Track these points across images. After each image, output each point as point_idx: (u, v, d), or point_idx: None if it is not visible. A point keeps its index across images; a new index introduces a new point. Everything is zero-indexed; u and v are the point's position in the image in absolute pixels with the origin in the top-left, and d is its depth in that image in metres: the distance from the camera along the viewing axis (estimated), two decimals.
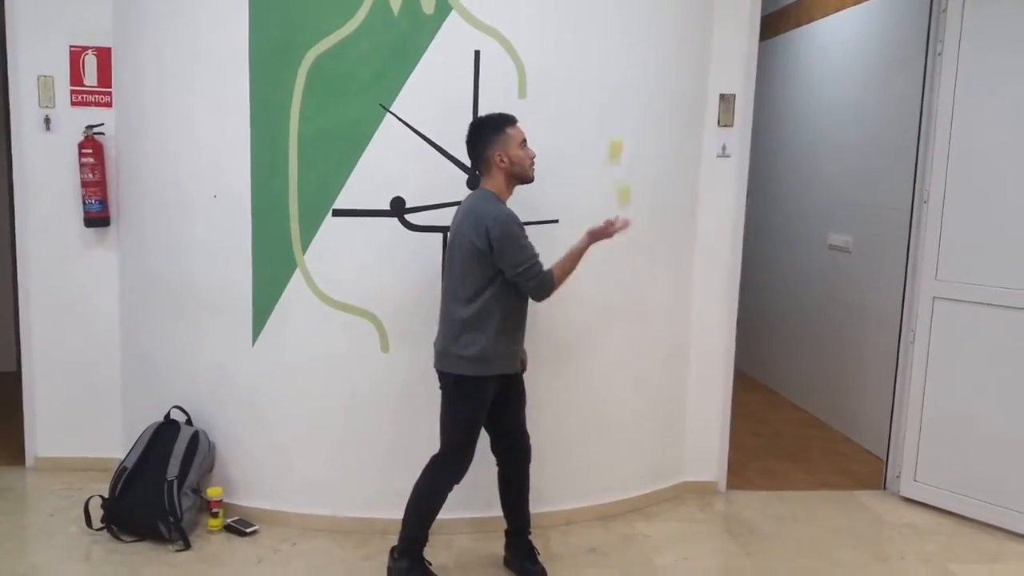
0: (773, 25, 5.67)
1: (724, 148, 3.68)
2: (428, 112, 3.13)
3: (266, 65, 3.13)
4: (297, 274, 3.21)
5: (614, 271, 3.38)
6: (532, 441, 3.06)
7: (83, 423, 3.81)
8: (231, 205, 3.23)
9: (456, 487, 2.87)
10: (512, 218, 2.70)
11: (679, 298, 3.69)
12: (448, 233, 2.92)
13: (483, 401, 2.83)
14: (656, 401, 3.66)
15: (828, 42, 5.03)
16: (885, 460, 3.97)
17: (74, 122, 3.63)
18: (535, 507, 3.16)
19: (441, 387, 2.85)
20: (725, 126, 3.66)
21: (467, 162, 3.12)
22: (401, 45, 3.09)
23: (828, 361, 4.98)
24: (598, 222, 2.81)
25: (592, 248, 2.81)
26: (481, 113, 3.10)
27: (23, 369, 3.82)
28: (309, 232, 3.19)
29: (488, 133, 2.77)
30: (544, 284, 2.72)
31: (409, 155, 3.14)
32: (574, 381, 3.41)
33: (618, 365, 3.49)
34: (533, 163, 2.82)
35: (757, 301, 5.87)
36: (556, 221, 3.24)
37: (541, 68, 3.18)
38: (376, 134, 3.12)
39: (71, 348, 3.79)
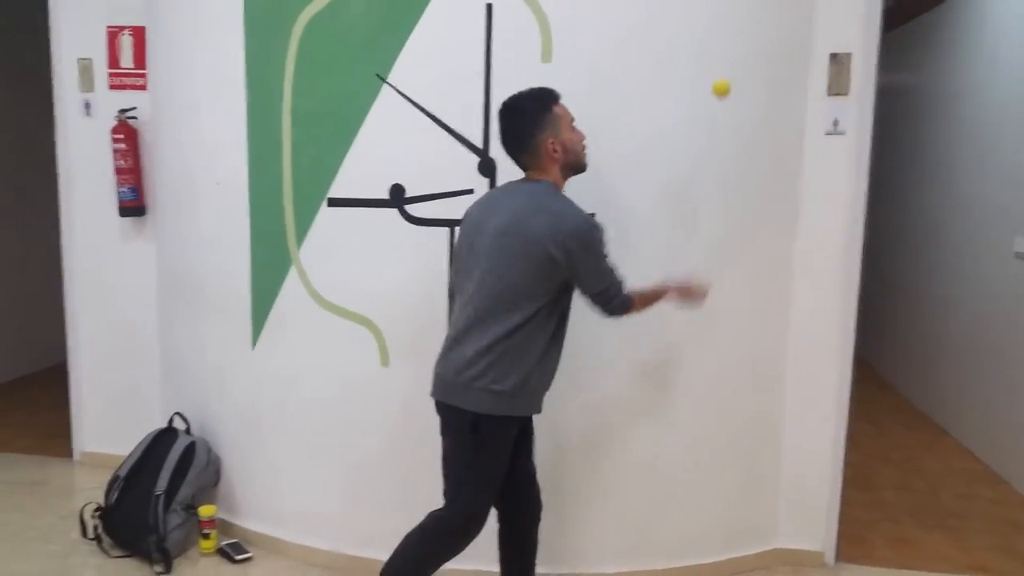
0: None
1: (836, 123, 2.83)
2: (431, 82, 2.60)
3: (260, 33, 2.74)
4: (292, 271, 2.80)
5: (667, 272, 2.67)
6: (559, 483, 2.47)
7: (126, 420, 3.64)
8: (230, 193, 2.88)
9: None
10: (595, 226, 2.13)
11: (767, 311, 2.88)
12: (465, 225, 2.27)
13: (507, 448, 2.24)
14: (732, 440, 2.87)
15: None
16: None
17: (112, 106, 3.46)
18: (558, 566, 2.56)
19: (449, 428, 2.24)
20: (837, 95, 2.81)
21: (478, 143, 2.58)
22: (398, 1, 2.58)
23: (1010, 399, 3.87)
24: (686, 281, 2.38)
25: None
26: (495, 82, 2.55)
27: (69, 362, 3.73)
28: (304, 224, 2.76)
29: (532, 116, 2.16)
30: (623, 309, 2.21)
31: (410, 134, 2.62)
32: (612, 412, 2.74)
33: (674, 392, 2.77)
34: (584, 147, 2.24)
35: (931, 318, 4.80)
36: (592, 215, 2.60)
37: (571, 22, 2.54)
38: (372, 109, 2.63)
39: (114, 343, 3.66)
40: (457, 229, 2.61)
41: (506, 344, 2.12)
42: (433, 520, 2.27)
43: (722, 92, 2.58)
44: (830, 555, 3.04)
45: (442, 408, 2.24)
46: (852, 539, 3.16)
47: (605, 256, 2.15)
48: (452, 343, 2.21)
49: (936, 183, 4.87)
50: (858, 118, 2.81)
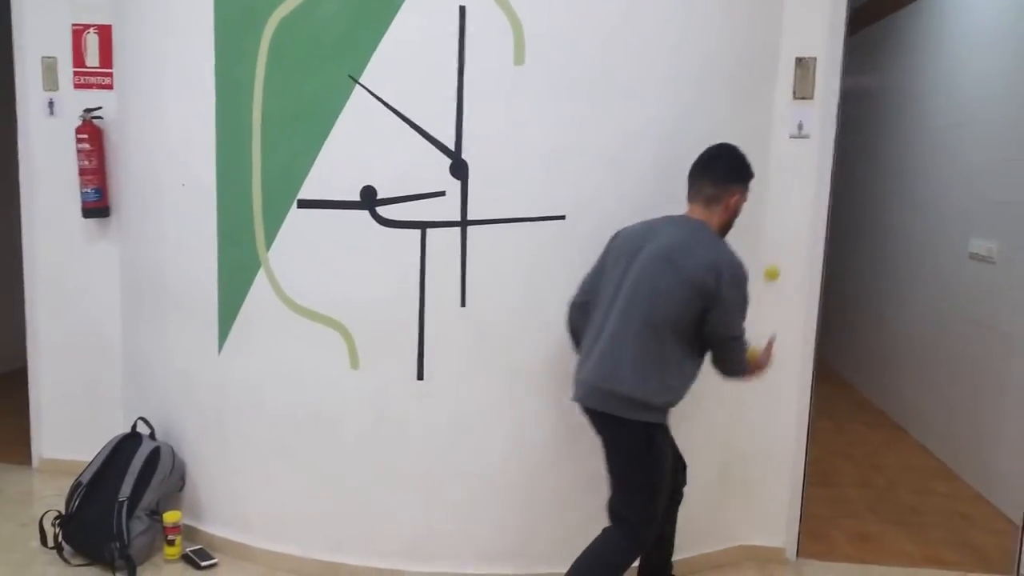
0: None
1: (800, 127, 2.90)
2: (403, 83, 2.60)
3: (231, 33, 2.72)
4: (261, 274, 2.78)
5: None
6: (531, 485, 2.54)
7: (88, 425, 3.56)
8: (198, 194, 2.85)
9: None
10: (747, 273, 2.28)
11: None
12: (617, 243, 2.42)
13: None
14: (697, 438, 2.90)
15: (980, 6, 4.04)
16: (1021, 535, 3.03)
17: (77, 106, 3.39)
18: (534, 566, 2.60)
19: (623, 446, 2.34)
20: (802, 99, 2.88)
21: (450, 145, 2.59)
22: (371, 2, 2.58)
23: (964, 398, 3.99)
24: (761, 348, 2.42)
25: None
26: (468, 84, 2.57)
27: (29, 367, 3.65)
28: (274, 226, 2.74)
29: (745, 172, 2.42)
30: (743, 367, 2.36)
31: (382, 136, 2.62)
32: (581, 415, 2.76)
33: None
34: None
35: (890, 317, 4.92)
36: (563, 217, 2.63)
37: (543, 25, 2.56)
38: (344, 111, 2.63)
39: (76, 347, 3.58)
40: (429, 231, 2.65)
41: (668, 364, 2.27)
42: (610, 545, 2.37)
43: (773, 277, 2.90)
44: (791, 551, 3.10)
45: (608, 420, 2.32)
46: (813, 535, 3.23)
47: (745, 313, 2.28)
48: (612, 356, 2.28)
49: (894, 185, 4.99)
50: (822, 122, 2.88)
